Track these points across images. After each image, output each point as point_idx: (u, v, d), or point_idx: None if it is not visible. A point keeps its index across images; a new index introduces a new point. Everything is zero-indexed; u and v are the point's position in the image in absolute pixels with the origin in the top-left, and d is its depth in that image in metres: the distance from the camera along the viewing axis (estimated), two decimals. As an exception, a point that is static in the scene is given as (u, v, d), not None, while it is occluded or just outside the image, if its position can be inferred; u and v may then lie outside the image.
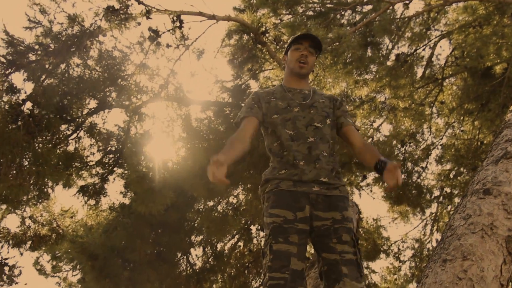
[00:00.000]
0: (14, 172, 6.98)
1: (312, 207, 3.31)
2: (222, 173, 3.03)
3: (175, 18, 8.12)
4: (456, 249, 3.53)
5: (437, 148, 10.00)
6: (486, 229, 3.60)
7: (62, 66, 7.58)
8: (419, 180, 9.79)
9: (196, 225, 9.38)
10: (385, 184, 3.24)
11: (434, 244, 10.02)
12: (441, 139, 10.10)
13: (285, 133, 3.44)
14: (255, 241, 9.93)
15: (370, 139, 9.68)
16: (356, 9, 9.64)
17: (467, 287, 3.35)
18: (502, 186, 3.88)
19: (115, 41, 7.99)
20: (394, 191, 3.38)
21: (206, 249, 9.74)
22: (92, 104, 8.18)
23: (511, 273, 3.54)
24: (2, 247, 8.63)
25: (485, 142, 9.10)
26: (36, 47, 7.29)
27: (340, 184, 3.44)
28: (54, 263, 9.79)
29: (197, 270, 9.48)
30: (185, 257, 9.56)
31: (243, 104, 8.24)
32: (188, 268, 9.53)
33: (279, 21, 9.28)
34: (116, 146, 8.50)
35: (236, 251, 9.96)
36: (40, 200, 8.01)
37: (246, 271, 9.80)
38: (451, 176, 9.77)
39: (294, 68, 3.59)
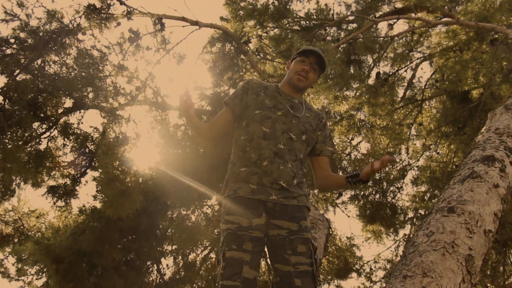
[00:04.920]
0: (-21, 166, 6.89)
1: (268, 215, 3.24)
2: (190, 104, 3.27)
3: (157, 21, 8.08)
4: (417, 266, 3.51)
5: (413, 169, 10.01)
6: (447, 247, 3.57)
7: (38, 62, 7.50)
8: (394, 200, 9.77)
9: (168, 233, 9.26)
10: (373, 166, 3.26)
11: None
12: (418, 160, 10.11)
13: (260, 130, 3.40)
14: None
15: (348, 156, 9.68)
16: (342, 27, 9.67)
17: (425, 304, 3.31)
18: (466, 205, 3.87)
19: (94, 40, 7.97)
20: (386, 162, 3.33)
21: (177, 259, 9.63)
22: (68, 103, 8.11)
23: None
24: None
25: (460, 165, 9.12)
26: (12, 40, 7.22)
27: (299, 193, 3.37)
28: (19, 266, 9.63)
29: (167, 280, 9.37)
30: (155, 265, 9.42)
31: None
32: (158, 278, 9.40)
33: (263, 33, 9.27)
34: (90, 148, 8.41)
35: (207, 262, 9.88)
36: (5, 198, 7.88)
37: (216, 284, 9.70)
38: (426, 198, 9.76)
39: (292, 79, 3.56)
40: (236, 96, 3.57)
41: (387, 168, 9.55)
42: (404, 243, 10.21)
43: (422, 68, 10.16)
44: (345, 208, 10.07)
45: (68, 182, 8.45)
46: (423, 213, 9.73)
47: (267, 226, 3.24)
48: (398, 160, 9.68)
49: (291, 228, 3.26)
